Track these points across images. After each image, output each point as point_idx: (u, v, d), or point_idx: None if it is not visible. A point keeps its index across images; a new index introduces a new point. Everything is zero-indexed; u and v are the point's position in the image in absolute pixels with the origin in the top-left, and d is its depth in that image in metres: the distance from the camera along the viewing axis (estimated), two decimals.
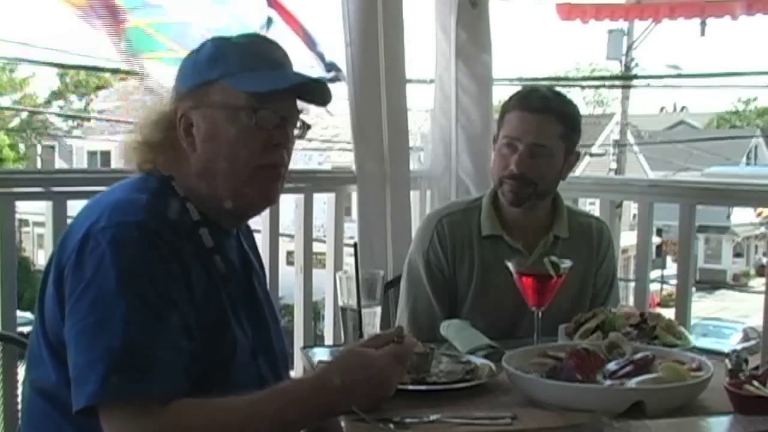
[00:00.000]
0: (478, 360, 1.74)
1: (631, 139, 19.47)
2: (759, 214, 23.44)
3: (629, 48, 17.63)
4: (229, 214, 1.49)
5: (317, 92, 1.49)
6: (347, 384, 1.35)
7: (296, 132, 1.49)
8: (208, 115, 1.42)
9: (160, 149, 1.44)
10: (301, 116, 1.49)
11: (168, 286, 1.31)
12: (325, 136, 17.49)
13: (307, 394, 1.35)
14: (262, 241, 2.88)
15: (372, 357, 1.39)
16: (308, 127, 1.50)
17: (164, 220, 1.36)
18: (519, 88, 2.26)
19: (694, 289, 3.08)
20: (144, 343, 1.26)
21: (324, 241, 3.00)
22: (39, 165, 23.60)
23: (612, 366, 1.57)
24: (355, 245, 1.85)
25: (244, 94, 1.41)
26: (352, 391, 1.36)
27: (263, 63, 1.45)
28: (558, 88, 2.39)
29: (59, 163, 22.74)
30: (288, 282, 2.92)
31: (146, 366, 1.26)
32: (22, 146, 24.54)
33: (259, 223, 2.88)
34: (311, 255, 2.94)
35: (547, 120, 2.11)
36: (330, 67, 3.27)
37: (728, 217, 24.81)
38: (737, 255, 27.17)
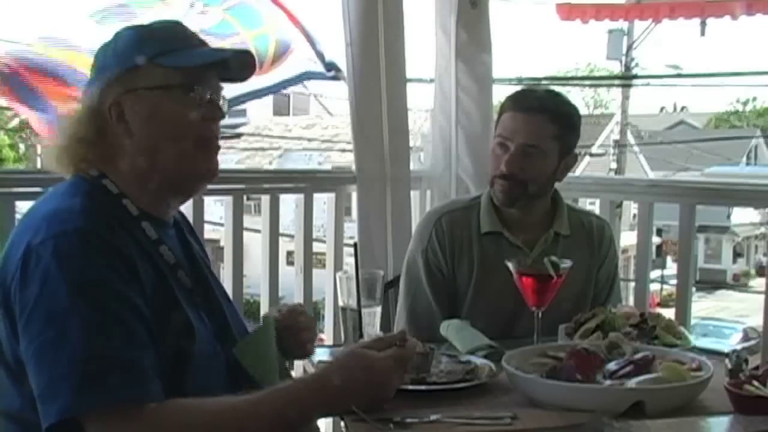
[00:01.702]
0: (478, 360, 1.74)
1: (631, 139, 19.47)
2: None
3: (629, 48, 17.63)
4: (169, 195, 1.49)
5: (238, 68, 1.52)
6: (347, 384, 1.36)
7: (221, 103, 1.51)
8: (141, 97, 1.41)
9: (93, 144, 1.42)
10: (223, 93, 1.51)
11: (118, 286, 1.29)
12: (325, 136, 17.50)
13: (307, 394, 1.34)
14: (262, 241, 2.88)
15: (373, 359, 1.39)
16: (229, 102, 1.53)
17: (102, 221, 1.34)
18: (519, 88, 2.26)
19: (694, 289, 3.08)
20: (107, 347, 1.24)
21: (324, 241, 3.00)
22: (39, 165, 23.60)
23: (612, 366, 1.57)
24: (355, 245, 1.85)
25: (176, 71, 1.42)
26: (351, 392, 1.36)
27: (188, 42, 1.48)
28: (558, 89, 2.38)
29: None
30: (288, 282, 2.92)
31: (115, 370, 1.23)
32: (21, 146, 24.55)
33: (258, 223, 2.88)
34: (311, 255, 2.94)
35: (540, 120, 2.10)
36: (330, 66, 3.27)
37: (728, 217, 24.82)
38: (737, 255, 27.18)
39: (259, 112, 18.76)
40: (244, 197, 2.87)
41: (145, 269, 1.35)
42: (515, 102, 2.14)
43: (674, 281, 3.22)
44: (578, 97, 26.42)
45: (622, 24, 16.29)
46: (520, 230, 2.18)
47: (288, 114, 20.92)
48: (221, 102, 1.49)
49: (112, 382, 1.23)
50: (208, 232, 2.80)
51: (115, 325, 1.26)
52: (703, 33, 11.89)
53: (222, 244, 2.85)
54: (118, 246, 1.32)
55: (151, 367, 1.28)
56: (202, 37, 1.54)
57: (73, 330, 1.23)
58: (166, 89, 1.42)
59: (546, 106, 2.11)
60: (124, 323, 1.27)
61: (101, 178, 1.42)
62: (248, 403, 1.31)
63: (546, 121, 2.10)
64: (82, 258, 1.28)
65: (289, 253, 3.09)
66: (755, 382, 1.47)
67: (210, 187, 1.56)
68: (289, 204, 2.94)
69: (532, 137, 2.10)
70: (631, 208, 10.51)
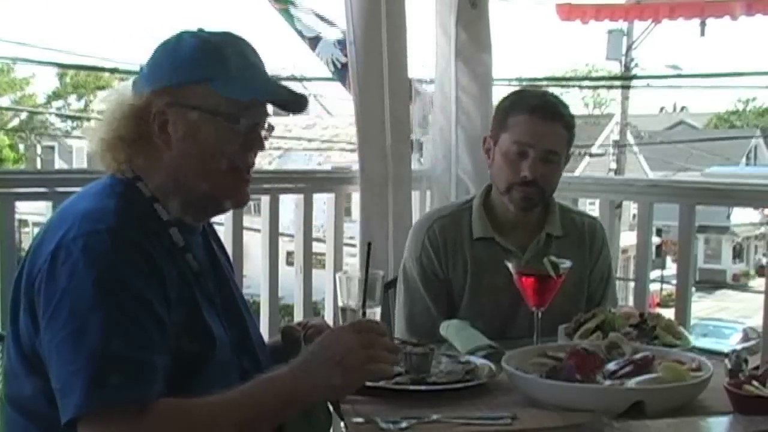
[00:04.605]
0: (478, 360, 1.74)
1: (631, 139, 19.47)
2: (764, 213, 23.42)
3: (629, 48, 17.63)
4: (196, 211, 1.50)
5: (292, 103, 1.51)
6: (314, 357, 1.35)
7: (263, 134, 1.51)
8: (187, 115, 1.42)
9: (135, 144, 1.42)
10: (268, 119, 1.51)
11: (143, 289, 1.31)
12: (325, 136, 17.52)
13: (282, 383, 1.34)
14: (262, 241, 2.88)
15: (327, 332, 1.43)
16: (272, 128, 1.52)
17: (134, 224, 1.36)
18: (517, 88, 2.25)
19: (694, 289, 3.08)
20: (125, 348, 1.26)
21: (324, 242, 3.01)
22: (39, 165, 23.61)
23: (612, 366, 1.57)
24: (368, 244, 1.82)
25: (228, 100, 1.42)
26: (319, 362, 1.34)
27: (245, 69, 1.46)
28: (558, 89, 2.39)
29: (59, 163, 22.76)
30: (288, 282, 2.92)
31: (129, 371, 1.25)
32: (21, 146, 24.56)
33: (258, 223, 2.88)
34: (311, 255, 2.94)
35: (557, 127, 2.11)
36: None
37: (728, 217, 24.81)
38: (737, 255, 27.18)
39: None
40: None
41: (170, 274, 1.37)
42: (532, 107, 2.10)
43: (674, 281, 3.23)
44: (578, 98, 26.42)
45: (622, 24, 16.29)
46: (512, 234, 2.17)
47: (288, 114, 20.92)
48: (264, 132, 1.49)
49: (121, 382, 1.24)
50: None
51: (134, 326, 1.28)
52: (703, 33, 11.88)
53: None
54: (147, 249, 1.34)
55: (163, 368, 1.29)
56: None
57: (93, 327, 1.25)
58: (212, 114, 1.42)
59: (560, 113, 2.12)
60: (142, 326, 1.29)
61: (136, 180, 1.44)
62: (241, 394, 1.32)
63: (561, 127, 2.11)
64: (110, 258, 1.30)
65: (289, 253, 3.09)
66: (755, 382, 1.47)
67: None
68: (289, 204, 2.94)
69: (553, 144, 2.10)
70: (631, 208, 10.53)
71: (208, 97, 1.41)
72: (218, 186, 1.46)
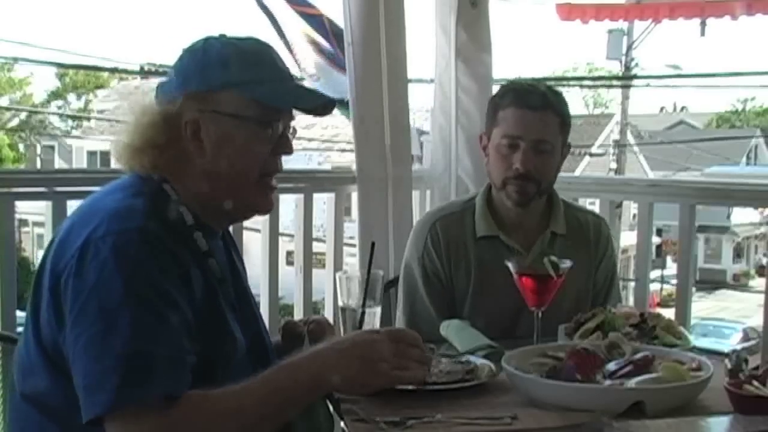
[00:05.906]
0: (478, 360, 1.73)
1: (631, 139, 19.48)
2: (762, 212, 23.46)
3: (629, 48, 17.64)
4: (223, 217, 1.51)
5: (318, 107, 1.53)
6: (337, 345, 1.40)
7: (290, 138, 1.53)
8: (219, 121, 1.43)
9: (163, 150, 1.43)
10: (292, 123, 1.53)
11: (170, 290, 1.32)
12: (325, 136, 17.49)
13: (305, 370, 1.37)
14: (262, 241, 2.88)
15: (363, 333, 1.45)
16: (296, 132, 1.54)
17: (163, 224, 1.37)
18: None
19: (694, 289, 3.08)
20: (154, 347, 1.27)
21: (324, 241, 3.01)
22: (38, 165, 23.62)
23: (612, 366, 1.57)
24: (372, 244, 1.82)
25: (259, 105, 1.43)
26: (341, 351, 1.38)
27: (274, 74, 1.48)
28: (559, 88, 2.36)
29: (59, 163, 22.76)
30: (288, 282, 2.92)
31: (158, 369, 1.26)
32: (21, 146, 24.57)
33: (259, 223, 2.88)
34: (311, 255, 2.94)
35: (547, 116, 2.09)
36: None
37: (728, 217, 24.83)
38: (737, 255, 27.18)
39: None
40: None
41: (196, 277, 1.38)
42: (519, 99, 2.09)
43: (674, 281, 3.23)
44: (578, 97, 26.44)
45: (622, 24, 16.31)
46: (516, 232, 2.16)
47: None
48: (292, 136, 1.51)
49: (151, 379, 1.25)
50: None
51: (162, 326, 1.29)
52: (703, 33, 11.90)
53: None
54: (174, 251, 1.35)
55: (190, 364, 1.31)
56: None
57: (123, 325, 1.26)
58: (245, 119, 1.43)
59: (550, 101, 2.10)
60: (171, 325, 1.30)
61: (162, 182, 1.44)
62: (260, 382, 1.34)
63: (551, 114, 2.09)
64: (139, 257, 1.31)
65: (289, 253, 3.09)
66: (755, 382, 1.46)
67: None
68: (289, 204, 2.94)
69: (543, 133, 2.08)
70: (631, 208, 10.52)
71: (240, 102, 1.43)
72: (248, 192, 1.48)
